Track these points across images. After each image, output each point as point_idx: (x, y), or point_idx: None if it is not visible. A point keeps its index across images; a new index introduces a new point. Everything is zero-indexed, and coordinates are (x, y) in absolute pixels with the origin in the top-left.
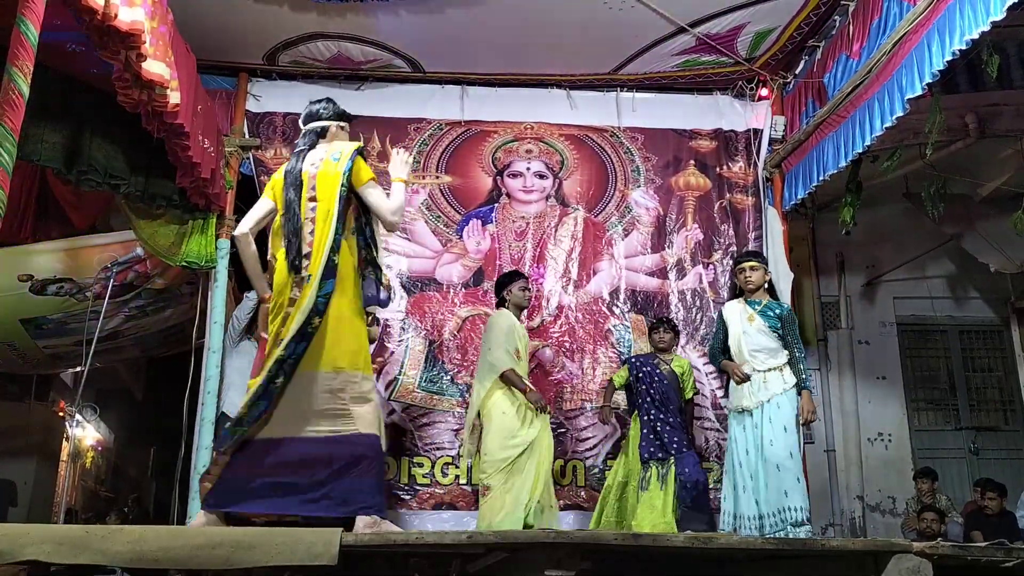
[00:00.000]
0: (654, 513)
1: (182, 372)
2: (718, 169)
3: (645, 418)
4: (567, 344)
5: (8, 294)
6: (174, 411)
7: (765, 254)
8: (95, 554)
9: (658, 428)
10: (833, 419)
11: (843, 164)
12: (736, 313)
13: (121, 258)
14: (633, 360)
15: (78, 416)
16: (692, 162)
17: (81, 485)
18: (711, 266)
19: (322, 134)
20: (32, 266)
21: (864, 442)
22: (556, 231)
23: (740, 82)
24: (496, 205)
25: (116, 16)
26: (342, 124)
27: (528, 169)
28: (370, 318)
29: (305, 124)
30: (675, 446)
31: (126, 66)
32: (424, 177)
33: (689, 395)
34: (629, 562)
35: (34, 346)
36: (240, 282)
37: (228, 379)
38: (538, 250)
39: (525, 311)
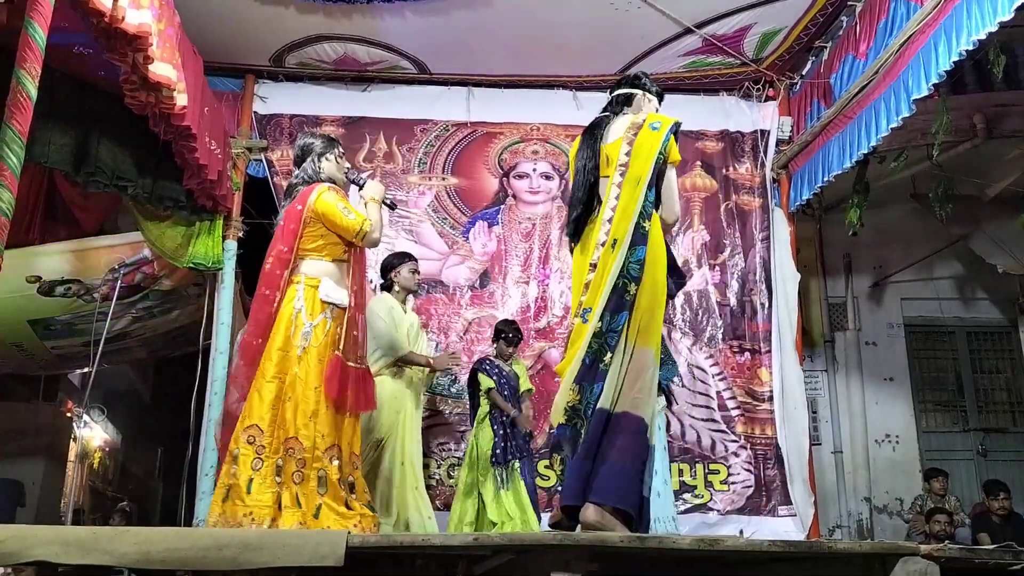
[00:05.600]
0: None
1: (189, 373)
2: (724, 170)
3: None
4: None
5: (16, 295)
6: (181, 412)
7: (771, 255)
8: (102, 555)
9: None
10: (840, 420)
11: (849, 165)
12: None
13: (128, 259)
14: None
15: (86, 417)
16: (698, 163)
17: (88, 486)
18: (717, 268)
19: (627, 101)
20: (40, 267)
21: (871, 443)
22: (562, 232)
23: (746, 83)
24: (502, 207)
25: (124, 18)
26: (650, 96)
27: (534, 170)
28: None
29: (611, 93)
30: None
31: (133, 68)
32: (430, 179)
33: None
34: (636, 564)
35: (42, 347)
36: (247, 284)
37: None
38: (544, 251)
39: (412, 298)
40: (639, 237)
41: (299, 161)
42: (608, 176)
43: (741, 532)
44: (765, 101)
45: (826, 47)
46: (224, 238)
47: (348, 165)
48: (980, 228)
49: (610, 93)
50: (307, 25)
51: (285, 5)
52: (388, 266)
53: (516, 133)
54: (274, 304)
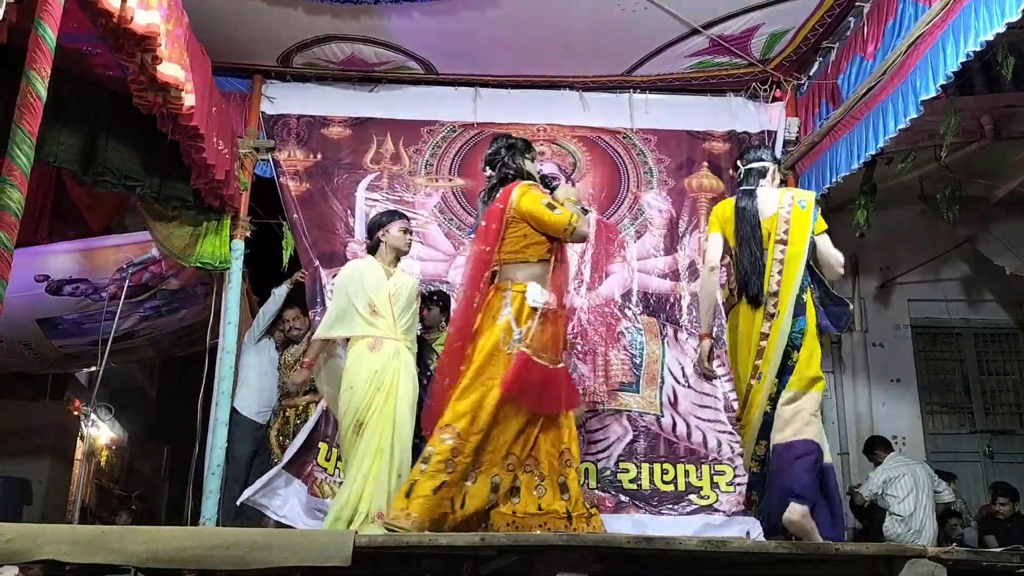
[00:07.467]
0: None
1: (196, 372)
2: (731, 171)
3: None
4: (579, 346)
5: (25, 294)
6: (188, 411)
7: None
8: (111, 554)
9: None
10: (847, 422)
11: (857, 166)
12: None
13: (136, 259)
14: None
15: (93, 415)
16: (705, 164)
17: (95, 484)
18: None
19: (763, 174)
20: (48, 267)
21: None
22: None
23: (753, 84)
24: None
25: (132, 19)
26: (777, 168)
27: (539, 172)
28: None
29: (745, 164)
30: None
31: (141, 68)
32: (437, 180)
33: None
34: (642, 565)
35: (50, 346)
36: (254, 283)
37: (243, 376)
38: None
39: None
40: (799, 308)
41: (493, 162)
42: (768, 249)
43: (748, 533)
44: (772, 102)
45: (833, 48)
46: (231, 238)
47: (540, 167)
48: (987, 229)
49: (743, 164)
50: (315, 25)
51: (293, 6)
52: (376, 225)
53: (522, 134)
54: (474, 305)
